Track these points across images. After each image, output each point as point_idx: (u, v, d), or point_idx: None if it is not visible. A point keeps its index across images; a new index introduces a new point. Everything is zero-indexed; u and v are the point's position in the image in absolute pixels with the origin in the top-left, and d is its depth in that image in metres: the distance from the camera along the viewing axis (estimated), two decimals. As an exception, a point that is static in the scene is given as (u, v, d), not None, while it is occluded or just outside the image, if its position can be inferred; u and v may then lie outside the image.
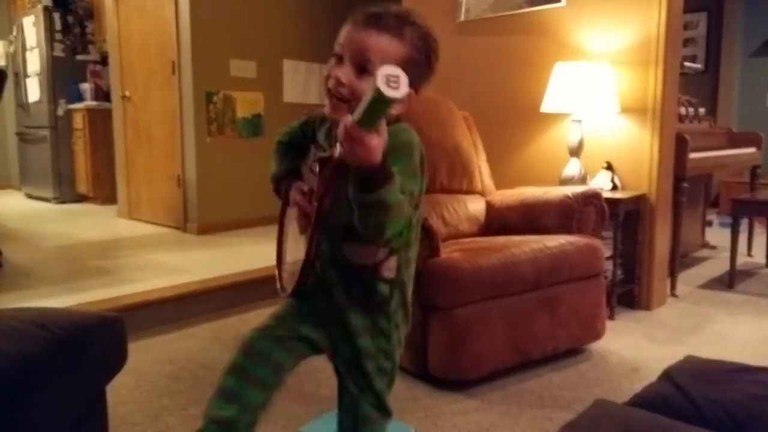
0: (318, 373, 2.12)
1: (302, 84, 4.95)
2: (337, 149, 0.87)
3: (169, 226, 4.56)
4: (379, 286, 1.11)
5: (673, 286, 3.11)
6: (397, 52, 0.99)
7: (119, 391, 1.94)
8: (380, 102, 0.78)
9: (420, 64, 1.02)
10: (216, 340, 2.47)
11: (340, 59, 0.98)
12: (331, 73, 0.99)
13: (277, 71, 4.77)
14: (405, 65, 0.88)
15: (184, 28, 4.25)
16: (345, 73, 0.97)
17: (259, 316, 2.73)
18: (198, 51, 4.25)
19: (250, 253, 3.60)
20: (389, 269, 1.11)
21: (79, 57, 6.09)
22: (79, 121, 5.84)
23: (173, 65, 4.34)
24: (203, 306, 2.80)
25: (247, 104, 4.58)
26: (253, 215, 4.56)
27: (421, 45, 1.02)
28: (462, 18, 3.45)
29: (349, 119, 0.81)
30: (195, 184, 4.34)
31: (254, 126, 4.65)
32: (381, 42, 0.97)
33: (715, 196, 5.50)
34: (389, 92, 0.76)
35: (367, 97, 0.80)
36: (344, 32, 1.00)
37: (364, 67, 0.97)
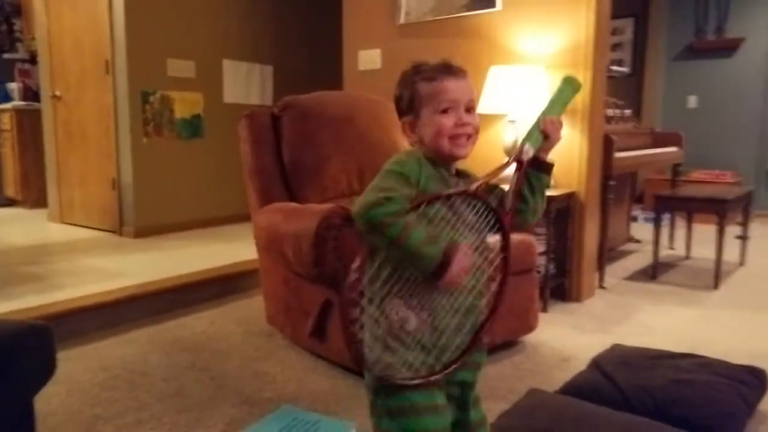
0: (260, 377, 2.12)
1: (243, 84, 4.89)
2: (528, 149, 1.16)
3: (104, 230, 4.43)
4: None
5: (601, 279, 3.27)
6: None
7: (50, 401, 1.88)
8: (575, 90, 1.22)
9: None
10: (153, 346, 2.42)
11: (446, 110, 1.14)
12: (449, 121, 1.13)
13: (216, 71, 4.71)
14: None
15: (119, 26, 4.13)
16: (467, 117, 1.15)
17: (198, 320, 2.71)
18: (133, 49, 4.14)
19: (189, 256, 3.54)
20: None
21: (6, 55, 5.82)
22: (6, 122, 5.57)
23: (107, 64, 4.21)
24: (140, 311, 2.74)
25: (186, 104, 4.50)
26: (191, 218, 4.48)
27: None
28: (402, 20, 3.51)
29: (554, 117, 1.17)
30: (131, 186, 4.23)
31: (194, 127, 4.57)
32: (471, 85, 1.19)
33: (640, 192, 5.78)
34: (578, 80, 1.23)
35: (562, 92, 1.20)
36: (449, 86, 1.14)
37: (469, 109, 1.16)
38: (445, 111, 1.13)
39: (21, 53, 5.92)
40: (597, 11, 2.85)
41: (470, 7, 3.25)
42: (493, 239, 1.17)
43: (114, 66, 4.19)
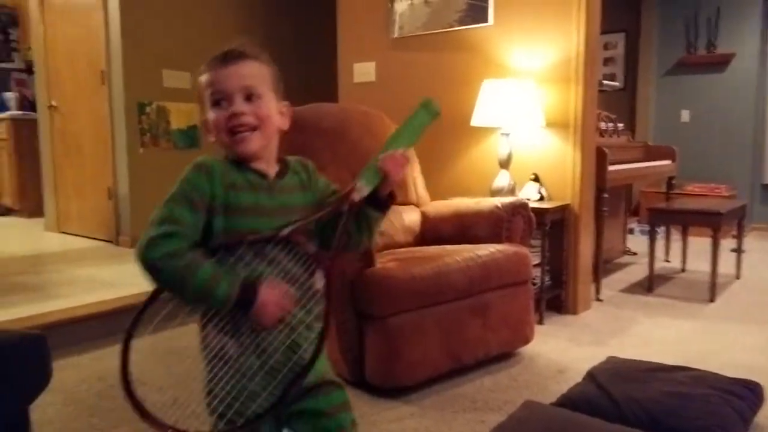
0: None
1: (239, 95, 4.91)
2: (361, 188, 1.04)
3: (100, 240, 4.42)
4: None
5: (597, 291, 3.28)
6: (267, 72, 1.07)
7: (46, 411, 1.88)
8: (432, 115, 1.07)
9: (280, 79, 1.11)
10: (149, 356, 2.41)
11: (217, 102, 1.02)
12: (220, 115, 1.01)
13: (213, 82, 4.72)
14: (276, 82, 1.07)
15: (115, 37, 4.15)
16: (241, 106, 1.01)
17: (196, 329, 2.70)
18: (129, 61, 4.16)
19: (186, 267, 3.53)
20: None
21: (3, 65, 5.84)
22: (3, 131, 5.58)
23: (103, 75, 4.23)
24: (136, 321, 2.73)
25: (182, 115, 4.51)
26: (188, 228, 4.48)
27: (272, 62, 1.10)
28: (396, 34, 3.54)
29: (398, 152, 1.04)
30: (127, 196, 4.23)
31: (190, 137, 4.58)
32: (253, 68, 1.04)
33: (635, 205, 5.81)
34: (437, 104, 1.07)
35: (414, 118, 1.07)
36: (214, 77, 1.02)
37: (250, 96, 1.02)
38: (217, 104, 1.02)
39: (17, 63, 5.94)
40: (587, 26, 2.88)
41: (462, 22, 3.28)
42: (320, 282, 1.05)
43: (110, 77, 4.21)
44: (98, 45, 4.23)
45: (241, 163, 1.03)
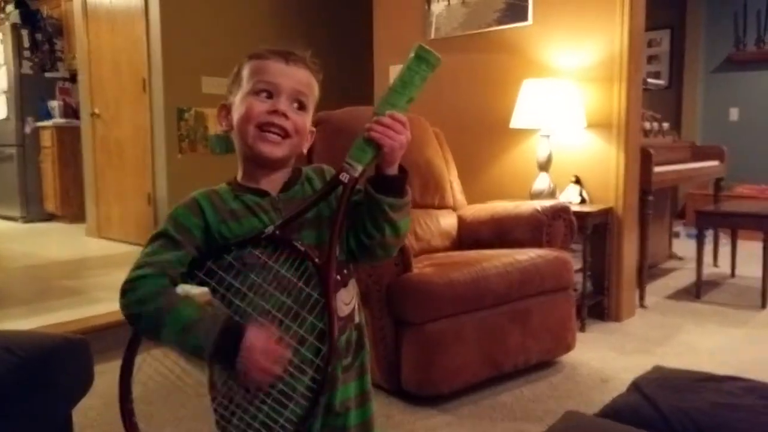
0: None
1: (275, 100, 4.95)
2: (349, 166, 0.88)
3: (140, 245, 4.44)
4: (353, 335, 1.00)
5: (641, 297, 3.17)
6: (317, 91, 1.01)
7: (87, 414, 1.90)
8: (430, 64, 0.85)
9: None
10: (189, 361, 2.43)
11: (263, 93, 0.93)
12: (260, 105, 0.92)
13: (249, 88, 4.78)
14: (316, 103, 1.00)
15: (155, 46, 4.23)
16: (287, 108, 0.93)
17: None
18: (169, 68, 4.23)
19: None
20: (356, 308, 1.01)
21: (48, 74, 6.02)
22: (47, 138, 5.75)
23: (144, 82, 4.32)
24: (174, 325, 2.76)
25: (219, 121, 4.57)
26: (226, 232, 4.53)
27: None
28: (432, 36, 3.51)
29: (386, 115, 0.86)
30: (166, 202, 4.30)
31: (227, 143, 4.62)
32: (310, 80, 0.98)
33: (681, 207, 5.63)
34: (432, 51, 0.85)
35: (409, 71, 0.86)
36: (270, 67, 0.94)
37: (298, 103, 0.95)
38: (262, 94, 0.92)
39: (62, 72, 6.12)
40: (631, 23, 2.80)
41: (501, 21, 3.23)
42: (345, 305, 0.93)
43: (151, 84, 4.29)
44: (140, 54, 4.32)
45: (238, 187, 0.96)
